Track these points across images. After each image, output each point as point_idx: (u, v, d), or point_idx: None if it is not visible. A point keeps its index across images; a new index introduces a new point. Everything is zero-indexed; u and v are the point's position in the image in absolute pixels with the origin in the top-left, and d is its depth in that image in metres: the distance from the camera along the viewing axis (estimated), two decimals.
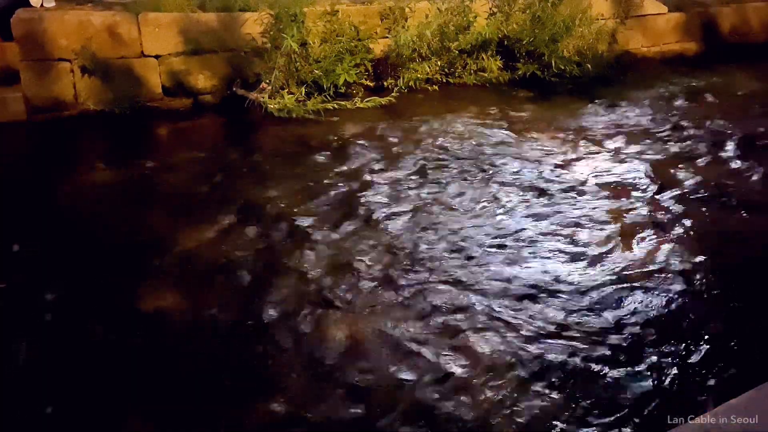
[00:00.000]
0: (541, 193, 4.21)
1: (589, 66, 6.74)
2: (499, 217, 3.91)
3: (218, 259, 3.46)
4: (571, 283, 3.23)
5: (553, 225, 3.80)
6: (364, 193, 4.21)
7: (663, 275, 3.31)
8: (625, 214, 3.93)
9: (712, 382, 2.59)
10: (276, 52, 5.63)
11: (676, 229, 3.77)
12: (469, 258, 3.46)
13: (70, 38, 5.27)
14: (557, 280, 3.26)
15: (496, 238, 3.67)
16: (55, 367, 2.70)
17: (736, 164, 4.70)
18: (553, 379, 2.60)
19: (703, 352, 2.76)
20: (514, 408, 2.46)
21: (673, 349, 2.78)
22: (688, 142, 5.13)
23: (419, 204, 4.06)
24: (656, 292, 3.17)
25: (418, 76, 6.28)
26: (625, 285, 3.22)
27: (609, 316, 2.99)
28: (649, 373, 2.64)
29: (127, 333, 2.90)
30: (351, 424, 2.41)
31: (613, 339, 2.84)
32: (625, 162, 4.73)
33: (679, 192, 4.24)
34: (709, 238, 3.66)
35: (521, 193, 4.21)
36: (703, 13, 7.95)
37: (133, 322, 2.96)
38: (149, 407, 2.50)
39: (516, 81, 6.60)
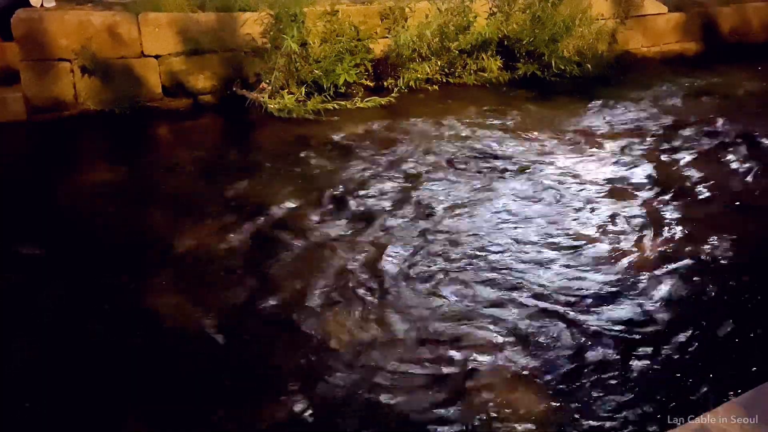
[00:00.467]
0: (541, 193, 4.21)
1: (589, 66, 6.74)
2: (498, 218, 3.91)
3: (218, 259, 3.46)
4: (571, 285, 3.23)
5: (552, 225, 3.80)
6: (364, 193, 4.21)
7: (663, 275, 3.31)
8: (625, 214, 3.93)
9: (712, 381, 2.59)
10: (276, 52, 5.63)
11: (676, 229, 3.77)
12: (471, 255, 3.47)
13: (70, 38, 5.27)
14: (554, 286, 3.25)
15: (494, 239, 3.67)
16: (55, 367, 2.70)
17: (736, 164, 4.70)
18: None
19: (703, 353, 2.77)
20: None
21: (673, 348, 2.78)
22: (688, 142, 5.13)
23: (419, 204, 4.06)
24: (656, 293, 3.17)
25: (418, 76, 6.28)
26: (625, 285, 3.22)
27: (608, 316, 2.99)
28: (649, 373, 2.65)
29: (127, 333, 2.90)
30: (351, 424, 2.42)
31: (613, 339, 2.84)
32: (626, 162, 4.73)
33: (679, 192, 4.24)
34: (709, 238, 3.66)
35: (521, 193, 4.21)
36: (703, 13, 7.95)
37: (133, 322, 2.96)
38: (149, 407, 2.50)
39: (516, 81, 6.60)
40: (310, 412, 2.46)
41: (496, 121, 5.55)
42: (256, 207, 4.01)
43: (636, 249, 3.55)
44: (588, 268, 3.36)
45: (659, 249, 3.55)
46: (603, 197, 4.16)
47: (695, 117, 5.69)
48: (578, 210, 3.99)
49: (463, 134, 5.25)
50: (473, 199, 4.14)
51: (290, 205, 4.03)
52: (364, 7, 6.24)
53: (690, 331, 2.89)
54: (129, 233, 3.73)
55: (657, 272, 3.33)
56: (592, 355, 2.74)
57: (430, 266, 3.39)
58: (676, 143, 5.12)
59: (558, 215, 3.92)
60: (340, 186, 4.30)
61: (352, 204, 4.07)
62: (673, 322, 2.96)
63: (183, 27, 5.59)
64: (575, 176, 4.48)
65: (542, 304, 3.06)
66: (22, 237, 3.69)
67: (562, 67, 6.65)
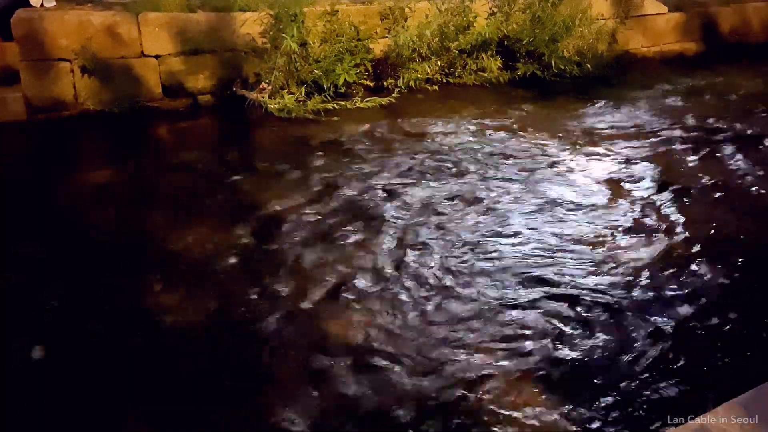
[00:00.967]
0: (540, 193, 4.21)
1: (589, 66, 6.75)
2: (497, 218, 3.91)
3: (218, 258, 3.46)
4: (570, 287, 3.23)
5: (551, 225, 3.80)
6: (364, 193, 4.21)
7: (663, 276, 3.31)
8: (625, 214, 3.93)
9: (712, 382, 2.59)
10: (276, 52, 5.63)
11: (675, 229, 3.76)
12: (470, 256, 3.47)
13: (70, 38, 5.27)
14: (557, 285, 3.25)
15: (493, 241, 3.67)
16: (55, 367, 2.70)
17: (736, 164, 4.70)
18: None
19: (702, 353, 2.77)
20: None
21: (672, 349, 2.78)
22: (688, 142, 5.12)
23: (419, 205, 4.06)
24: (656, 293, 3.17)
25: (418, 76, 6.28)
26: (624, 285, 3.22)
27: (607, 316, 2.99)
28: (649, 373, 2.65)
29: (127, 333, 2.90)
30: (351, 423, 2.42)
31: (611, 340, 2.84)
32: (625, 162, 4.73)
33: (679, 192, 4.24)
34: (709, 238, 3.66)
35: (520, 194, 4.21)
36: (703, 13, 7.95)
37: (133, 322, 2.96)
38: (149, 407, 2.50)
39: (516, 81, 6.60)
40: (310, 412, 2.46)
41: (496, 122, 5.55)
42: (256, 207, 4.01)
43: (636, 249, 3.55)
44: (588, 269, 3.36)
45: (659, 249, 3.55)
46: (603, 197, 4.16)
47: (695, 117, 5.69)
48: (578, 210, 3.98)
49: (463, 134, 5.24)
50: (473, 199, 4.14)
51: (290, 205, 4.03)
52: (364, 7, 6.24)
53: (690, 331, 2.89)
54: (129, 233, 3.73)
55: (657, 272, 3.33)
56: (586, 359, 2.74)
57: (430, 267, 3.39)
58: (676, 143, 5.12)
59: (558, 215, 3.92)
60: (341, 186, 4.30)
61: (353, 204, 4.07)
62: (672, 322, 2.96)
63: (183, 27, 5.60)
64: (575, 176, 4.47)
65: (540, 304, 3.07)
66: (22, 237, 3.69)
67: (562, 67, 6.65)
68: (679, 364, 2.69)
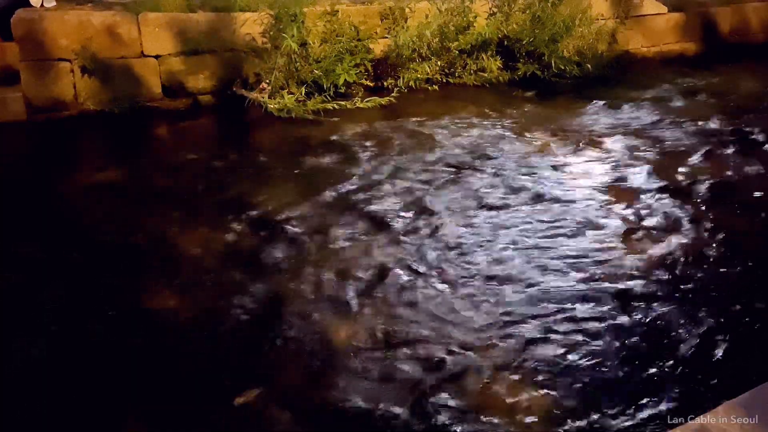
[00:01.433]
0: (540, 193, 4.21)
1: (589, 66, 6.74)
2: (496, 219, 3.91)
3: (218, 258, 3.46)
4: (571, 285, 3.23)
5: (551, 226, 3.80)
6: (364, 193, 4.21)
7: (663, 276, 3.31)
8: (625, 214, 3.93)
9: (712, 381, 2.59)
10: (276, 52, 5.62)
11: (675, 229, 3.77)
12: (462, 257, 3.47)
13: (70, 38, 5.27)
14: (556, 288, 3.25)
15: (492, 241, 3.67)
16: (55, 367, 2.71)
17: (736, 164, 4.70)
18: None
19: (703, 353, 2.77)
20: None
21: (672, 349, 2.78)
22: (688, 142, 5.12)
23: (419, 205, 4.06)
24: (656, 293, 3.17)
25: (418, 76, 6.28)
26: (624, 285, 3.22)
27: (606, 317, 2.99)
28: (649, 373, 2.65)
29: (127, 333, 2.90)
30: (351, 424, 2.42)
31: (611, 341, 2.84)
32: (625, 162, 4.73)
33: (679, 192, 4.24)
34: (709, 238, 3.66)
35: (519, 194, 4.21)
36: (702, 13, 7.94)
37: (133, 322, 2.97)
38: (149, 407, 2.50)
39: (516, 81, 6.59)
40: (310, 412, 2.46)
41: (496, 121, 5.54)
42: (256, 207, 4.01)
43: (636, 249, 3.55)
44: (588, 267, 3.36)
45: (659, 249, 3.55)
46: (603, 197, 4.16)
47: (695, 117, 5.68)
48: (578, 209, 3.98)
49: (463, 134, 5.24)
50: (473, 198, 4.14)
51: (290, 204, 4.03)
52: (364, 7, 6.24)
53: (690, 331, 2.89)
54: (129, 233, 3.73)
55: (657, 272, 3.33)
56: (591, 355, 2.74)
57: (431, 266, 3.39)
58: (676, 143, 5.11)
59: (558, 214, 3.92)
60: (341, 186, 4.30)
61: (353, 204, 4.07)
62: (672, 322, 2.96)
63: (183, 27, 5.59)
64: (575, 176, 4.47)
65: (539, 303, 3.07)
66: (22, 237, 3.69)
67: (562, 67, 6.64)
68: (679, 364, 2.70)
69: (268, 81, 5.67)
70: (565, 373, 2.65)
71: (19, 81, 5.24)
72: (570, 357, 2.73)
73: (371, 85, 6.17)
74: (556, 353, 2.75)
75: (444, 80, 6.48)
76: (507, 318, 2.96)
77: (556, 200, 4.10)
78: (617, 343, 2.81)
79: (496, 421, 2.39)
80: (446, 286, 3.22)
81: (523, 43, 6.55)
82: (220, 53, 5.74)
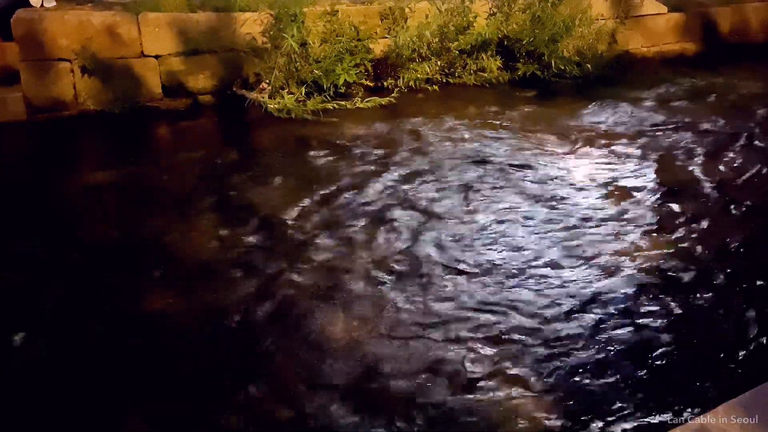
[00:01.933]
0: (540, 193, 4.21)
1: (589, 66, 6.73)
2: (496, 219, 3.91)
3: (218, 258, 3.46)
4: (570, 285, 3.23)
5: (551, 226, 3.80)
6: (365, 194, 4.21)
7: (663, 276, 3.32)
8: (625, 214, 3.93)
9: (712, 382, 2.59)
10: (276, 52, 5.62)
11: (675, 228, 3.77)
12: (470, 258, 3.47)
13: (70, 38, 5.27)
14: (556, 286, 3.25)
15: (491, 242, 3.67)
16: (55, 367, 2.71)
17: (736, 164, 4.70)
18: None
19: (702, 353, 2.77)
20: None
21: (672, 349, 2.78)
22: (688, 142, 5.12)
23: (419, 205, 4.06)
24: (657, 293, 3.17)
25: (418, 76, 6.27)
26: (624, 286, 3.22)
27: (607, 317, 2.99)
28: (648, 372, 2.65)
29: (127, 333, 2.90)
30: (351, 423, 2.42)
31: (611, 341, 2.85)
32: (625, 162, 4.73)
33: (679, 192, 4.24)
34: (709, 237, 3.66)
35: (519, 194, 4.21)
36: (702, 13, 7.94)
37: (133, 322, 2.97)
38: (149, 407, 2.50)
39: (516, 81, 6.59)
40: (310, 412, 2.46)
41: (496, 121, 5.54)
42: (256, 206, 4.01)
43: (636, 248, 3.55)
44: (588, 268, 3.36)
45: (659, 248, 3.55)
46: (603, 196, 4.16)
47: (695, 117, 5.68)
48: (578, 210, 3.99)
49: (463, 134, 5.24)
50: (472, 198, 4.14)
51: (290, 204, 4.03)
52: (364, 7, 6.24)
53: (690, 331, 2.90)
54: (129, 233, 3.73)
55: (657, 272, 3.33)
56: (584, 360, 2.75)
57: (431, 266, 3.39)
58: (676, 143, 5.11)
59: (557, 215, 3.92)
60: (341, 186, 4.30)
61: (353, 204, 4.07)
62: (673, 322, 2.96)
63: (183, 27, 5.59)
64: (575, 176, 4.47)
65: (535, 306, 3.07)
66: (23, 237, 3.69)
67: (562, 67, 6.64)
68: (679, 364, 2.70)
69: (268, 81, 5.67)
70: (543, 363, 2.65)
71: (19, 81, 5.24)
72: (561, 352, 2.73)
73: (371, 85, 6.16)
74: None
75: (444, 80, 6.47)
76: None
77: (556, 200, 4.10)
78: (615, 343, 2.81)
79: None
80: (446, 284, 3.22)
81: (523, 43, 6.54)
82: (220, 53, 5.74)
